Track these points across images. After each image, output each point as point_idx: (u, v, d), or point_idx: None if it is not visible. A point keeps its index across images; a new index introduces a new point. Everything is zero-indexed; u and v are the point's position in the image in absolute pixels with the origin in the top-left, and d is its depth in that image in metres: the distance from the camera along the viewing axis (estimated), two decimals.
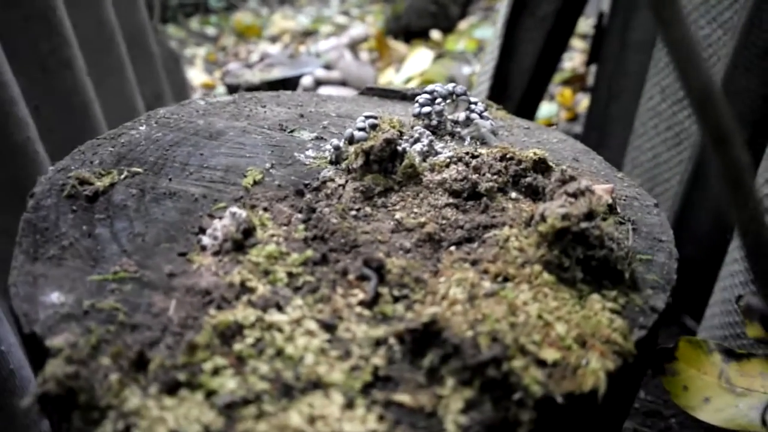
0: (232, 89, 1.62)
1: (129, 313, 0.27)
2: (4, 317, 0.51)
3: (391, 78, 1.75)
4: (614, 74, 0.98)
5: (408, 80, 1.66)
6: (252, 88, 1.62)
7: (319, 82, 1.70)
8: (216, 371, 0.24)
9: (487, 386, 0.25)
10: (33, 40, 0.69)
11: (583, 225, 0.29)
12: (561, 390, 0.25)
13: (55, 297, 0.28)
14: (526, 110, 0.99)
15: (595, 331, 0.28)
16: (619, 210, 0.36)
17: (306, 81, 1.70)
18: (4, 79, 0.58)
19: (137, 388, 0.24)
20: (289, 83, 1.70)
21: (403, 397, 0.24)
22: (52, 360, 0.24)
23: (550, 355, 0.26)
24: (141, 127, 0.43)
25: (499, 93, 0.95)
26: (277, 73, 1.75)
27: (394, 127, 0.40)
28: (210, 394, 0.24)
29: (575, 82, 1.63)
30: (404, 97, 0.54)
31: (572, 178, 0.33)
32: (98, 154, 0.39)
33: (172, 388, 0.24)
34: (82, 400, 0.23)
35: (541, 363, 0.26)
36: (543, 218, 0.31)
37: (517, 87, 0.96)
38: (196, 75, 2.04)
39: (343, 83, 1.70)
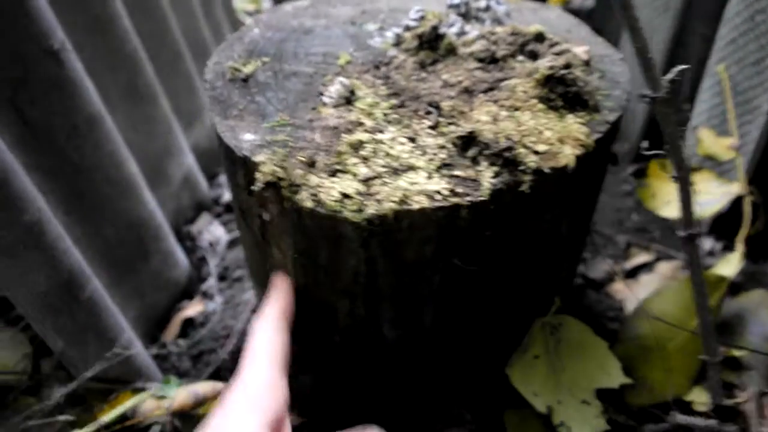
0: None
1: (293, 141, 0.47)
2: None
3: None
4: None
5: None
6: None
7: None
8: (354, 164, 0.44)
9: (505, 164, 0.44)
10: None
11: (562, 72, 0.48)
12: (547, 165, 0.44)
13: (248, 136, 0.48)
14: None
15: (569, 134, 0.46)
16: (591, 63, 0.54)
17: None
18: None
19: (313, 175, 0.44)
20: None
21: (458, 172, 0.44)
22: (263, 165, 0.44)
23: (541, 148, 0.45)
24: (255, 30, 0.61)
25: None
26: None
27: (435, 17, 0.58)
28: (354, 175, 0.43)
29: None
30: None
31: (557, 44, 0.51)
32: (235, 50, 0.58)
33: (333, 174, 0.44)
34: (285, 183, 0.43)
35: (536, 152, 0.45)
36: (537, 70, 0.49)
37: None
38: None
39: None
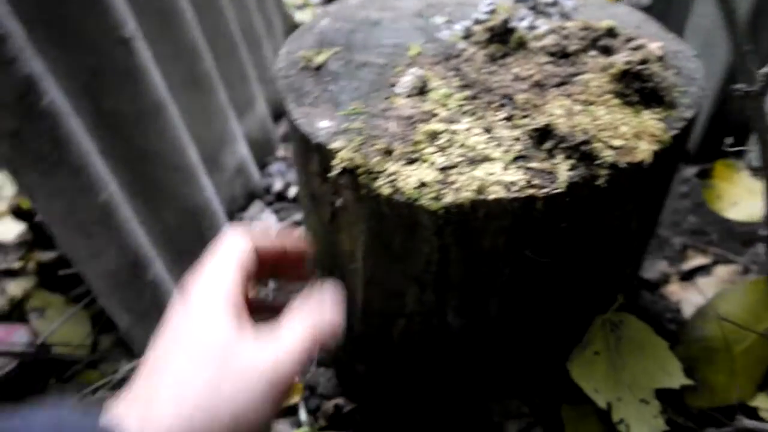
0: None
1: (368, 130, 0.48)
2: None
3: None
4: None
5: None
6: None
7: None
8: (431, 154, 0.45)
9: (581, 157, 0.44)
10: None
11: (639, 67, 0.47)
12: (623, 160, 0.44)
13: (324, 124, 0.49)
14: None
15: (645, 130, 0.46)
16: (666, 59, 0.53)
17: None
18: None
19: (391, 163, 0.44)
20: None
21: (534, 164, 0.44)
22: (340, 152, 0.45)
23: (617, 142, 0.45)
24: (323, 21, 0.62)
25: None
26: None
27: (506, 11, 0.58)
28: (431, 164, 0.44)
29: None
30: None
31: (633, 39, 0.50)
32: (305, 41, 0.59)
33: (410, 162, 0.44)
34: (362, 170, 0.44)
35: (612, 147, 0.45)
36: (612, 65, 0.49)
37: None
38: None
39: None
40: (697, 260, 0.82)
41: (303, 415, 0.71)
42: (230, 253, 0.43)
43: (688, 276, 0.80)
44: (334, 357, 0.73)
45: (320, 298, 0.43)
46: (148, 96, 0.73)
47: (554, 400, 0.63)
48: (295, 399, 0.73)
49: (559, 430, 0.61)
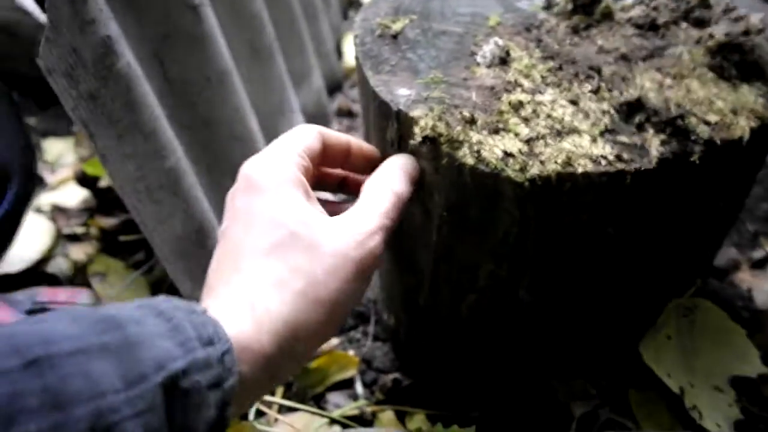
0: None
1: (449, 99, 0.46)
2: None
3: None
4: None
5: None
6: None
7: None
8: (515, 124, 0.43)
9: (674, 132, 0.42)
10: None
11: (741, 39, 0.45)
12: (719, 136, 0.42)
13: (404, 91, 0.48)
14: None
15: (744, 105, 0.44)
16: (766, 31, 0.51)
17: None
18: None
19: (474, 132, 0.43)
20: None
21: (623, 138, 0.43)
22: (421, 120, 0.44)
23: (713, 118, 0.43)
24: None
25: None
26: None
27: None
28: (516, 134, 0.43)
29: None
30: None
31: (733, 9, 0.48)
32: (381, 8, 0.58)
33: (494, 132, 0.43)
34: (444, 138, 0.43)
35: (707, 122, 0.43)
36: (711, 36, 0.46)
37: None
38: None
39: None
40: None
41: (359, 388, 0.71)
42: (295, 137, 0.43)
43: (759, 264, 0.77)
44: (393, 331, 0.72)
45: (391, 170, 0.44)
46: (215, 63, 0.73)
47: (622, 384, 0.61)
48: (351, 372, 0.73)
49: (626, 414, 0.60)
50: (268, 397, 0.69)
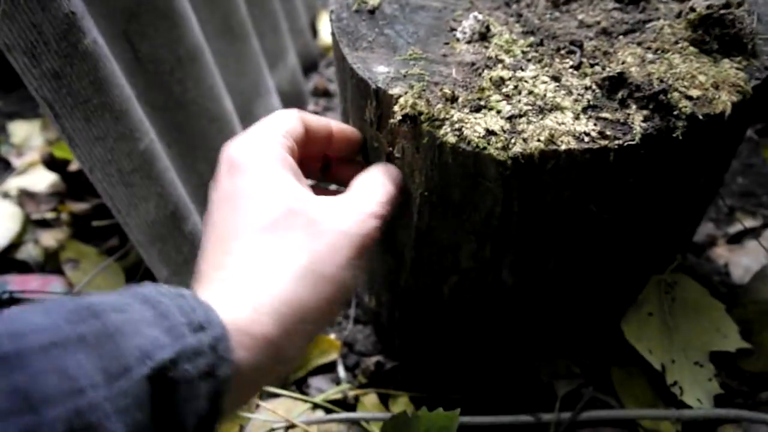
0: None
1: (429, 76, 0.45)
2: None
3: None
4: None
5: None
6: None
7: None
8: (497, 101, 0.42)
9: (657, 108, 0.42)
10: None
11: (722, 11, 0.44)
12: (701, 111, 0.42)
13: (382, 69, 0.46)
14: None
15: (725, 79, 0.43)
16: (746, 4, 0.50)
17: None
18: None
19: (455, 110, 0.42)
20: None
21: (606, 114, 0.42)
22: (401, 98, 0.43)
23: (695, 93, 0.43)
24: None
25: None
26: None
27: None
28: (498, 112, 0.42)
29: None
30: None
31: None
32: None
33: (476, 109, 0.42)
34: (425, 117, 0.42)
35: (689, 97, 0.43)
36: (692, 9, 0.46)
37: None
38: None
39: None
40: (745, 222, 0.79)
41: (342, 372, 0.71)
42: (277, 120, 0.42)
43: (736, 239, 0.77)
44: (374, 313, 0.72)
45: (378, 170, 0.45)
46: (186, 41, 0.70)
47: (604, 362, 0.62)
48: (333, 356, 0.72)
49: (609, 392, 0.60)
50: None
